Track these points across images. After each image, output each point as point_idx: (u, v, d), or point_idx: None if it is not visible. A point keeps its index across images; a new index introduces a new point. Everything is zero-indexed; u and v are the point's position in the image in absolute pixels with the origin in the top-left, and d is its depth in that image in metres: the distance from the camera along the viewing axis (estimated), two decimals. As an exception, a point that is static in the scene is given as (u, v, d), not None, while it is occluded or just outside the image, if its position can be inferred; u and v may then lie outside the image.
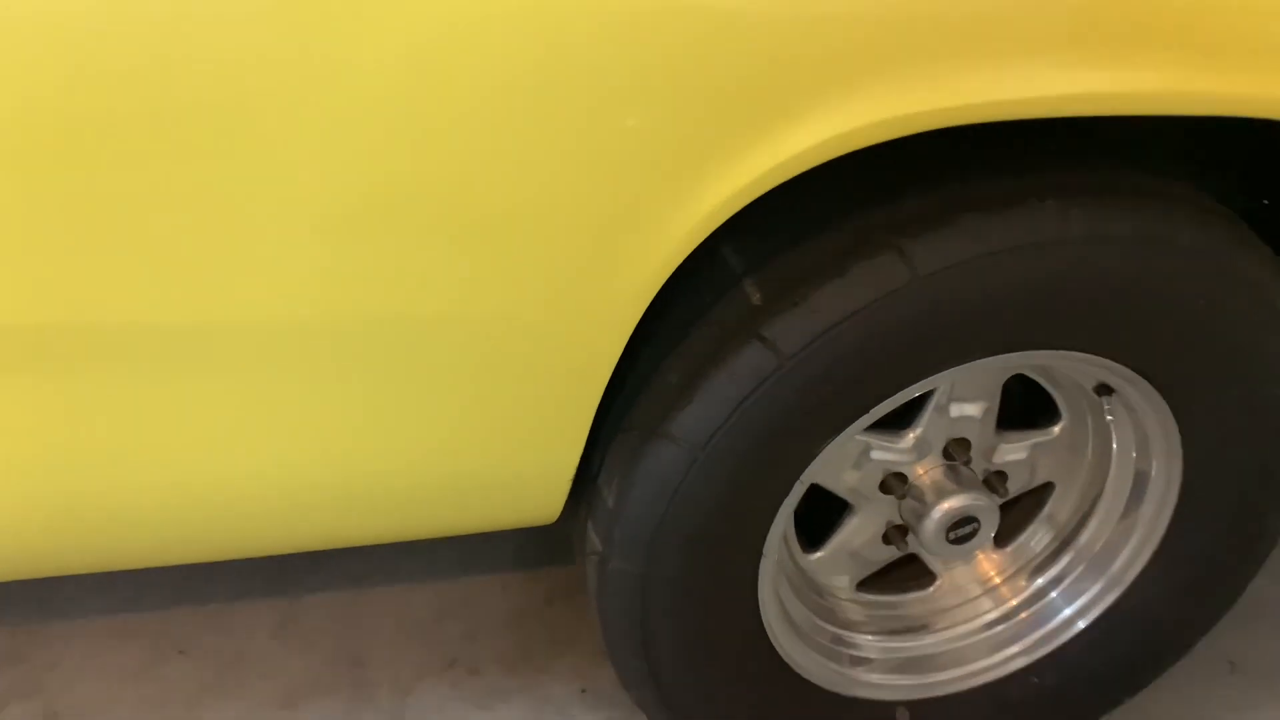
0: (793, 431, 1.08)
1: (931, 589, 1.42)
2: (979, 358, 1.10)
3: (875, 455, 1.25)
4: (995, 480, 1.31)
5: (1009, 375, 1.26)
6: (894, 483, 1.28)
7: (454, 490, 1.07)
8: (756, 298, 1.05)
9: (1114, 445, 1.29)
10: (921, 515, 1.27)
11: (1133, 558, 1.29)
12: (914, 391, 1.12)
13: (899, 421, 1.25)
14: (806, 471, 1.14)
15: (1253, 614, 1.45)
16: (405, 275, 0.89)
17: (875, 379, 1.07)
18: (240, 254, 0.85)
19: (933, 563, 1.41)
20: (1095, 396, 1.26)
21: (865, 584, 1.40)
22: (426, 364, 0.95)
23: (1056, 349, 1.12)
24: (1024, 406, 1.34)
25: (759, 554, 1.19)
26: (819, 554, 1.34)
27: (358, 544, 1.14)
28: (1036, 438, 1.32)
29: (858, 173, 1.10)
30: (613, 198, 0.89)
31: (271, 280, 0.87)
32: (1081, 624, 1.33)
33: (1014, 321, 1.07)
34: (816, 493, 1.31)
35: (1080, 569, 1.33)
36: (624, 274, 0.93)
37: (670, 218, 0.90)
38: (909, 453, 1.26)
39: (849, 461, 1.25)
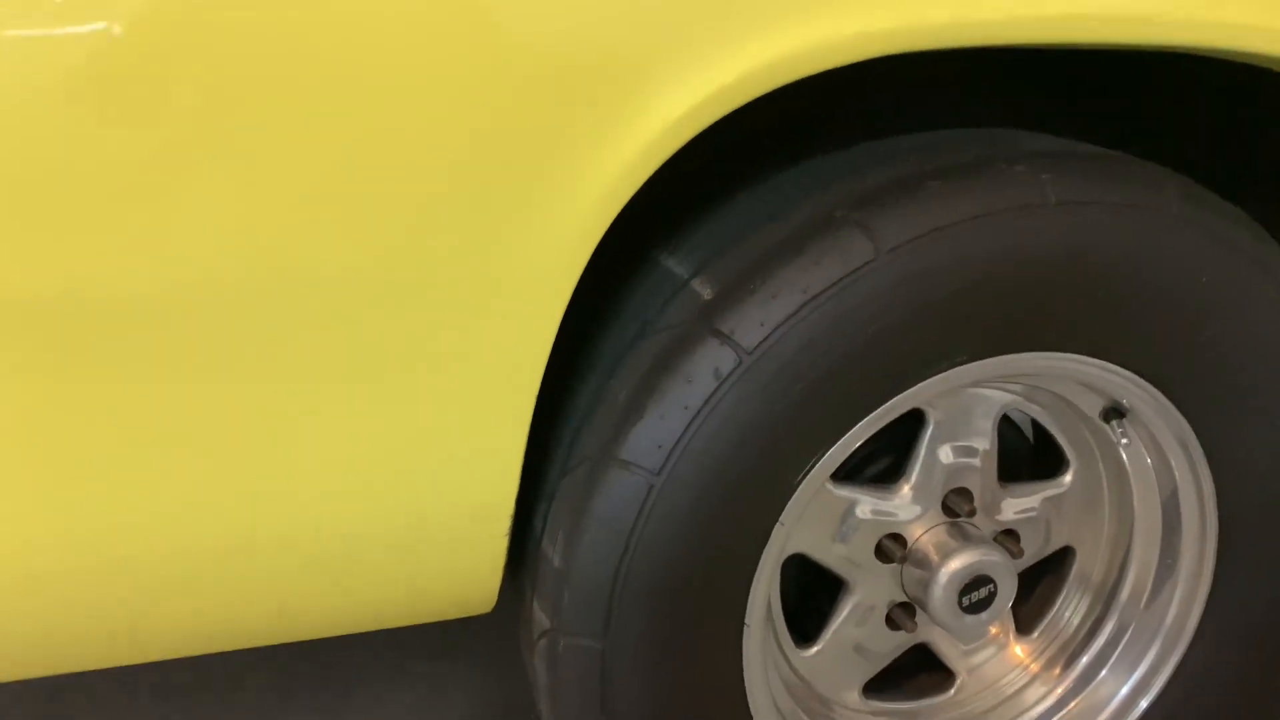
0: (764, 450, 0.92)
1: (954, 690, 1.21)
2: (965, 358, 0.96)
3: (863, 513, 1.08)
4: (1006, 541, 1.14)
5: (1003, 411, 1.12)
6: (891, 547, 1.11)
7: (361, 544, 0.88)
8: (708, 293, 0.93)
9: (1132, 480, 1.13)
10: (927, 583, 1.09)
11: (1185, 607, 1.09)
12: (899, 405, 0.98)
13: (889, 476, 1.11)
14: (787, 513, 0.97)
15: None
16: (277, 234, 0.76)
17: (851, 380, 0.93)
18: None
19: (950, 654, 1.20)
20: (1103, 425, 1.11)
21: (877, 691, 1.18)
22: (308, 362, 0.79)
23: (1047, 349, 0.99)
24: (1030, 469, 1.20)
25: (741, 622, 0.99)
26: (815, 648, 1.14)
27: (234, 643, 0.92)
28: (1046, 490, 1.16)
29: (809, 166, 1.01)
30: (523, 133, 0.78)
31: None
32: (1145, 703, 1.12)
33: (995, 309, 0.95)
34: (809, 587, 1.13)
35: (1129, 634, 1.13)
36: (546, 230, 0.80)
37: (591, 164, 0.79)
38: (905, 508, 1.10)
39: (836, 521, 1.08)
